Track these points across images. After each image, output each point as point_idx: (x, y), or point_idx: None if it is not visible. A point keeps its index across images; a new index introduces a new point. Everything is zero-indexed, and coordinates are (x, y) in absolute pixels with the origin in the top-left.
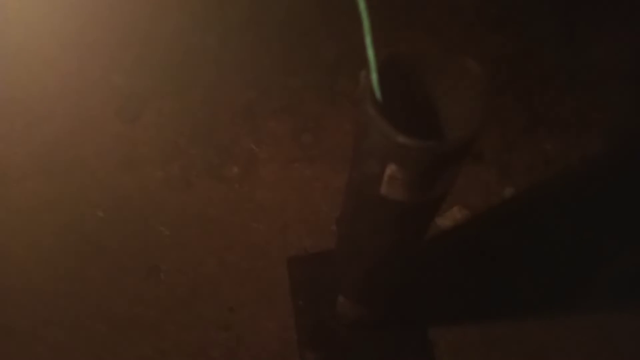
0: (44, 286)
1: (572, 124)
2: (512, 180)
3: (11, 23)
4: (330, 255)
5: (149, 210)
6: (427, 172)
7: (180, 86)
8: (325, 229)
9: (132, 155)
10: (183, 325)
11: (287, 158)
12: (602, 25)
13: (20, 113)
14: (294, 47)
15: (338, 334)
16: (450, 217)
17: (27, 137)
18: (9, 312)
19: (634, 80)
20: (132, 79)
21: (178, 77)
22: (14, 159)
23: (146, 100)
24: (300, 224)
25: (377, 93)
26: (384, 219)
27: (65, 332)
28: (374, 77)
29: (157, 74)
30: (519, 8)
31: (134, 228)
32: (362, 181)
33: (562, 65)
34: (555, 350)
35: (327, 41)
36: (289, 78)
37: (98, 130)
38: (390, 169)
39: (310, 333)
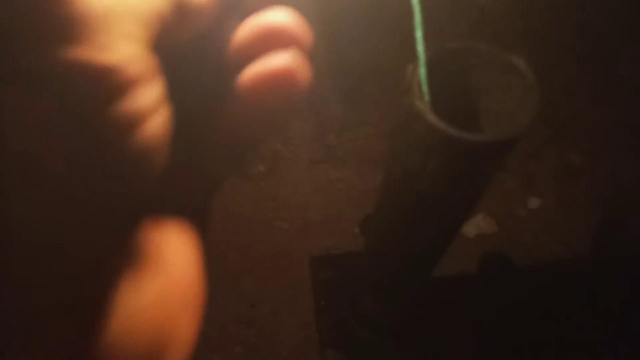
0: None
1: (598, 137)
2: (537, 190)
3: None
4: (354, 257)
5: None
6: (474, 166)
7: None
8: (348, 230)
9: None
10: (204, 318)
11: (312, 159)
12: (629, 40)
13: None
14: (318, 49)
15: (360, 335)
16: (474, 224)
17: None
18: None
19: None
20: None
21: None
22: None
23: None
24: (323, 225)
25: (425, 87)
26: (422, 214)
27: None
28: (422, 71)
29: None
30: (545, 20)
31: None
32: (403, 176)
33: (588, 79)
34: None
35: (352, 45)
36: (314, 79)
37: None
38: (436, 163)
39: (331, 333)
